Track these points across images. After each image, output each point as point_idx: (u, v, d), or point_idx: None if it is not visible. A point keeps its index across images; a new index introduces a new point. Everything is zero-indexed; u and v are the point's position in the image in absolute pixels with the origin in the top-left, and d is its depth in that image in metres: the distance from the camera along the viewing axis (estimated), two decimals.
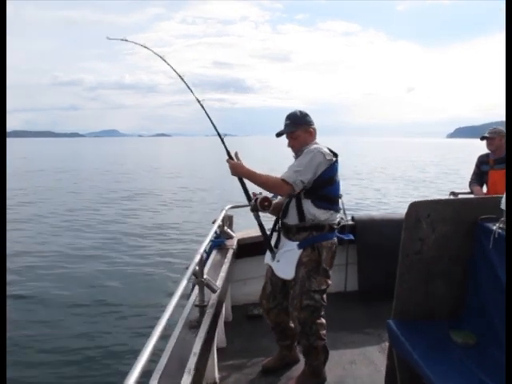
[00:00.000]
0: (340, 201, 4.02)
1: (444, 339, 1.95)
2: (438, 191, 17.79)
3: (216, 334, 2.63)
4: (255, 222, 2.69)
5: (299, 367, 2.76)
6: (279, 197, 2.71)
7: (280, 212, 2.62)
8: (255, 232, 3.51)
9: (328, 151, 2.49)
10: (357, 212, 8.41)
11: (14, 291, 6.45)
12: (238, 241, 3.72)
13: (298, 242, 2.49)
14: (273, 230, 2.70)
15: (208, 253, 3.38)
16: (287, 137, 2.61)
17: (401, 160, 46.14)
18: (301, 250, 2.48)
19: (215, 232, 3.56)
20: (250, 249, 3.56)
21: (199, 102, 2.79)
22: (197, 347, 1.88)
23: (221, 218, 3.56)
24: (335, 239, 2.56)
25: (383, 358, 2.65)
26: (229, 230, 3.78)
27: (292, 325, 2.70)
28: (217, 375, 2.71)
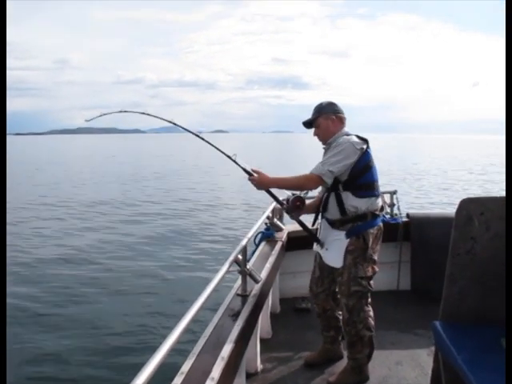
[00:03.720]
0: (394, 196, 3.94)
1: (493, 346, 1.83)
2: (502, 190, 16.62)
3: (258, 324, 2.66)
4: (306, 215, 2.70)
5: (342, 364, 2.73)
6: (312, 192, 2.73)
7: (320, 207, 2.62)
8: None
9: (358, 140, 2.46)
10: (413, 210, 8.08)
11: (60, 284, 6.86)
12: (288, 233, 3.73)
13: (345, 232, 2.48)
14: (313, 223, 2.71)
15: (257, 244, 3.43)
16: (314, 127, 2.61)
17: (466, 158, 43.59)
18: (348, 240, 2.47)
19: (265, 224, 3.59)
20: (300, 242, 3.55)
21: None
22: (233, 336, 1.91)
23: (270, 209, 3.56)
24: (380, 225, 2.53)
25: (431, 361, 2.55)
26: (278, 222, 3.79)
27: (339, 315, 2.71)
28: (259, 365, 2.75)
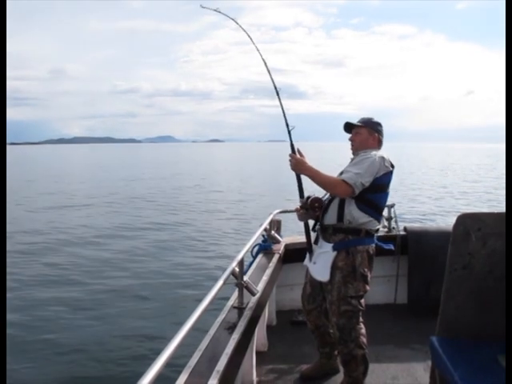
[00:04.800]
0: (392, 210, 3.93)
1: (490, 363, 1.82)
2: (499, 203, 16.70)
3: (255, 337, 2.64)
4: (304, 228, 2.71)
5: (338, 378, 2.71)
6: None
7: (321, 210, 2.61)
8: (303, 238, 3.50)
9: (388, 159, 2.49)
10: (410, 223, 8.09)
11: (69, 286, 6.86)
12: (286, 246, 3.72)
13: (332, 244, 2.47)
14: (313, 229, 2.69)
15: (254, 256, 3.41)
16: (352, 132, 2.63)
17: (462, 167, 43.86)
18: (335, 253, 2.45)
19: (263, 236, 3.57)
20: (298, 254, 3.55)
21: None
22: (229, 348, 1.90)
23: (267, 222, 3.55)
24: (372, 245, 2.51)
25: (428, 376, 2.54)
26: (276, 235, 3.77)
27: (331, 332, 2.68)
28: (255, 378, 2.73)
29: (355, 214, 2.42)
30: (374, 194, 2.43)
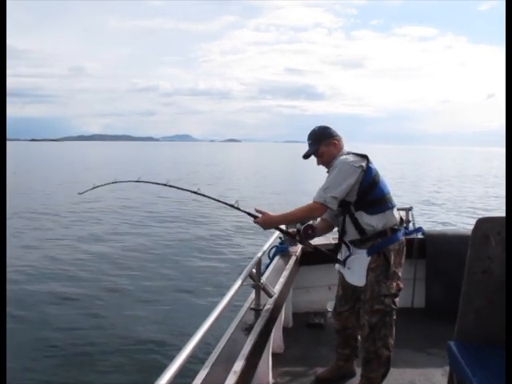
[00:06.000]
0: (410, 213, 3.90)
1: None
2: None
3: (271, 338, 2.65)
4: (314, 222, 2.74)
5: (354, 381, 2.70)
6: (318, 219, 2.75)
7: (338, 230, 2.61)
8: (321, 240, 3.49)
9: (354, 158, 2.44)
10: (430, 227, 7.96)
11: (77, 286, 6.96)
12: (303, 248, 3.72)
13: (366, 250, 2.46)
14: (338, 244, 2.68)
15: (271, 258, 3.43)
16: (315, 156, 2.60)
17: (481, 172, 42.95)
18: (369, 257, 2.45)
19: (280, 238, 3.59)
20: (315, 256, 3.56)
21: None
22: (246, 349, 1.92)
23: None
24: (402, 239, 2.49)
25: (445, 381, 2.51)
26: None
27: (358, 335, 2.68)
28: (271, 379, 2.74)
29: (371, 221, 2.41)
30: (370, 194, 2.42)
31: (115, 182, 2.98)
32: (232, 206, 2.59)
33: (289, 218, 2.54)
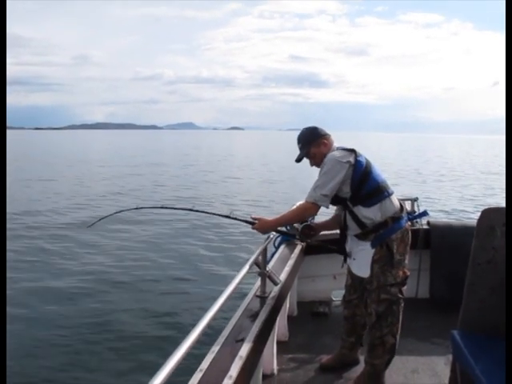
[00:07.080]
0: (415, 203, 3.89)
1: None
2: None
3: (276, 326, 2.69)
4: (327, 218, 2.83)
5: (358, 369, 2.74)
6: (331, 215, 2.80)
7: (341, 226, 2.64)
8: (327, 232, 3.51)
9: (341, 154, 2.45)
10: (435, 217, 7.89)
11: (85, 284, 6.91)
12: None
13: (370, 242, 2.48)
14: (341, 238, 2.70)
15: (277, 247, 3.46)
16: (307, 158, 2.62)
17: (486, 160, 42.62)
18: (373, 250, 2.47)
19: (285, 227, 3.62)
20: (320, 246, 3.60)
21: None
22: (251, 336, 1.95)
23: None
24: (406, 226, 2.50)
25: (448, 370, 2.54)
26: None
27: (365, 323, 2.70)
28: (275, 367, 2.79)
29: (370, 214, 2.42)
30: (363, 187, 2.42)
31: (138, 208, 2.91)
32: (228, 216, 2.69)
33: (284, 221, 2.64)
